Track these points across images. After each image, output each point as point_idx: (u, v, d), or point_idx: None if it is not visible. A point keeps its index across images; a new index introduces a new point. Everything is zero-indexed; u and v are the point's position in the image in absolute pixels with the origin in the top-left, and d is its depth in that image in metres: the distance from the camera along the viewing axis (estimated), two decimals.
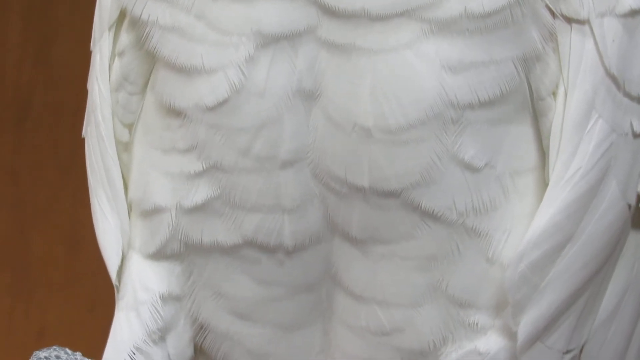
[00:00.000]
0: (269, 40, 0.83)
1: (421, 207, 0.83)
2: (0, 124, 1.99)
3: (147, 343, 0.90)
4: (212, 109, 0.85)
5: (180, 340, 0.92)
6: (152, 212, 0.90)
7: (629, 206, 0.86)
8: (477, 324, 0.86)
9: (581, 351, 0.87)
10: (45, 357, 0.88)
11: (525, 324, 0.83)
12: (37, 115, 1.96)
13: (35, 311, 2.00)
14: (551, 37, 0.83)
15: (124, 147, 0.92)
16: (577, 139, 0.83)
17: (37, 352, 0.88)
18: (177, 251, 0.90)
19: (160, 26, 0.86)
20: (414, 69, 0.82)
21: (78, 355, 0.89)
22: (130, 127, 0.92)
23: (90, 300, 1.78)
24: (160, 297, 0.91)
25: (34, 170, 1.98)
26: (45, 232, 1.97)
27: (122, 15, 0.90)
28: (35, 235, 1.98)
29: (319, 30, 0.82)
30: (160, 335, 0.91)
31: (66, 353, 0.88)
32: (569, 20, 0.83)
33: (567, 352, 0.85)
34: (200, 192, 0.87)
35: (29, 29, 1.97)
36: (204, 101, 0.85)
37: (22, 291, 2.00)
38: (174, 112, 0.87)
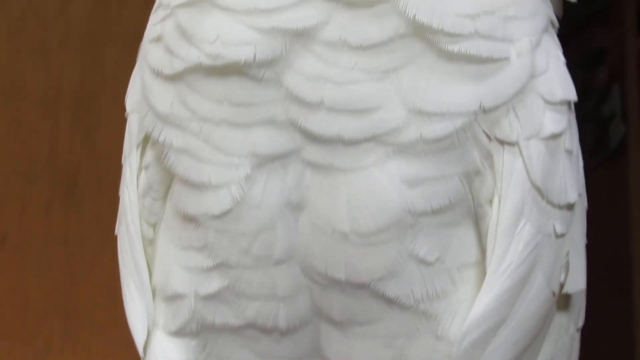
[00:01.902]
0: (264, 161, 0.86)
1: (386, 295, 0.86)
2: (53, 196, 2.02)
3: None
4: (218, 217, 0.88)
5: None
6: (173, 298, 0.92)
7: (553, 293, 0.89)
8: None
9: None
10: None
11: None
12: (83, 190, 2.00)
13: (82, 350, 2.02)
14: (488, 156, 0.86)
15: (149, 243, 0.95)
16: (509, 239, 0.86)
17: None
18: (194, 330, 0.92)
19: (174, 148, 0.89)
20: (380, 184, 0.85)
21: None
22: (154, 226, 0.95)
23: (126, 339, 1.79)
24: None
25: (81, 234, 2.00)
26: (90, 285, 1.99)
27: (147, 136, 0.93)
28: (82, 288, 2.01)
29: (303, 152, 0.85)
30: None
31: None
32: (502, 142, 0.86)
33: None
34: (212, 283, 0.90)
35: (78, 118, 2.01)
36: (212, 211, 0.88)
37: (71, 333, 2.03)
38: (188, 218, 0.90)
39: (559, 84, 0.89)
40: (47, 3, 2.02)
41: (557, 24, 0.94)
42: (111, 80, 1.95)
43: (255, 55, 0.84)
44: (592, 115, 2.99)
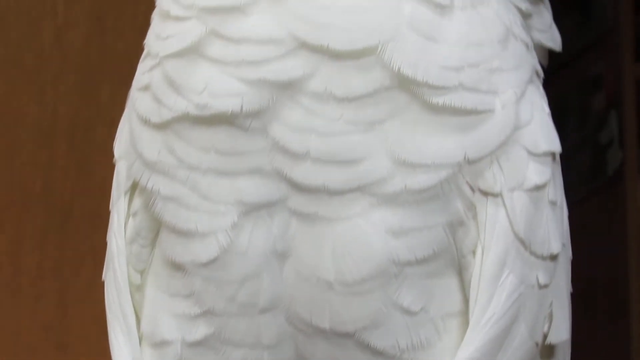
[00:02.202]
0: (250, 209, 0.87)
1: (371, 345, 0.87)
2: (47, 227, 2.03)
3: None
4: (205, 265, 0.88)
5: None
6: (160, 344, 0.93)
7: (537, 344, 0.89)
8: None
9: None
10: None
11: None
12: (77, 221, 2.00)
13: None
14: (472, 207, 0.87)
15: (136, 289, 0.96)
16: (492, 290, 0.87)
17: None
18: None
19: (162, 196, 0.90)
20: (365, 234, 0.86)
21: None
22: (142, 272, 0.95)
23: None
24: None
25: (75, 265, 2.01)
26: (83, 317, 1.99)
27: (135, 183, 0.94)
28: (75, 319, 2.01)
29: (289, 201, 0.86)
30: None
31: None
32: (486, 194, 0.87)
33: None
34: (199, 331, 0.90)
35: (73, 149, 2.02)
36: (199, 259, 0.89)
37: None
38: (176, 266, 0.91)
39: (543, 135, 0.90)
40: (42, 34, 2.04)
41: (542, 74, 0.95)
42: (106, 111, 1.96)
43: (242, 106, 0.85)
44: (589, 142, 3.00)
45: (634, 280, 2.77)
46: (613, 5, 2.90)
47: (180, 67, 0.88)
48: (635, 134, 2.81)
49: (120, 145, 0.96)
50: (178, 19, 0.89)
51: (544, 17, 0.99)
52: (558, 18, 3.19)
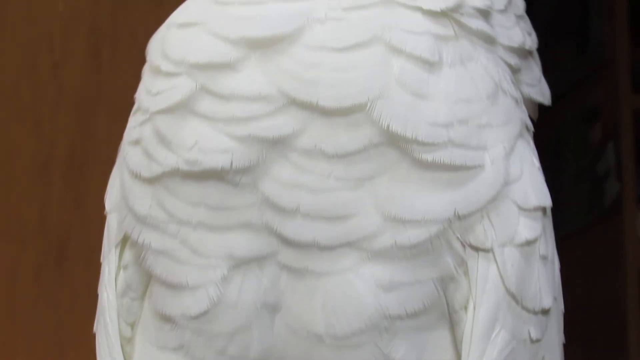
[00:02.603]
0: (240, 263, 0.88)
1: None
2: (43, 261, 2.03)
3: None
4: (195, 317, 0.89)
5: None
6: None
7: None
8: None
9: None
10: None
11: None
12: (73, 255, 2.00)
13: None
14: (462, 262, 0.88)
15: (127, 341, 0.96)
16: (483, 345, 0.87)
17: None
18: None
19: (153, 250, 0.91)
20: (355, 288, 0.86)
21: None
22: (132, 324, 0.96)
23: None
24: None
25: (71, 301, 2.01)
26: (79, 352, 1.99)
27: (126, 236, 0.94)
28: (71, 355, 2.01)
29: (279, 255, 0.87)
30: None
31: None
32: (477, 249, 0.88)
33: None
34: None
35: (69, 183, 2.03)
36: (189, 312, 0.89)
37: None
38: (166, 318, 0.91)
39: (534, 190, 0.90)
40: (39, 69, 2.04)
41: (531, 128, 0.95)
42: (103, 146, 1.96)
43: (232, 162, 0.86)
44: (587, 173, 3.01)
45: (632, 311, 2.77)
46: (610, 36, 2.91)
47: (171, 123, 0.89)
48: (633, 166, 2.82)
49: (111, 198, 0.97)
50: (168, 74, 0.90)
51: (533, 71, 1.00)
52: (555, 49, 3.24)
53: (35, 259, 2.02)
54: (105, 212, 0.98)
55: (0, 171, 2.01)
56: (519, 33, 0.96)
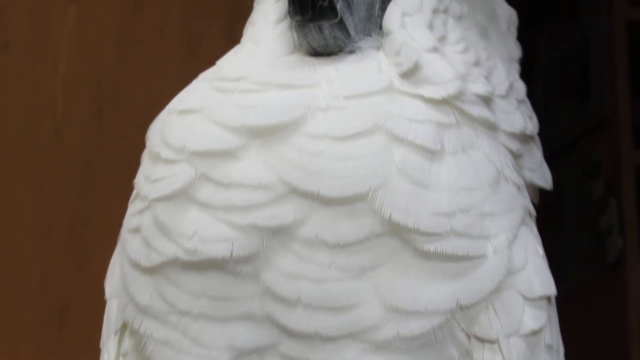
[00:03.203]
0: (241, 354, 0.86)
1: None
2: (44, 325, 2.02)
3: None
4: None
5: None
6: None
7: None
8: None
9: None
10: None
11: None
12: (74, 319, 1.99)
13: None
14: (467, 353, 0.86)
15: None
16: None
17: None
18: None
19: (154, 339, 0.90)
20: None
21: None
22: None
23: None
24: None
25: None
26: None
27: (125, 324, 0.93)
28: None
29: (280, 346, 0.86)
30: None
31: None
32: (482, 340, 0.86)
33: None
34: None
35: (70, 247, 2.02)
36: None
37: None
38: None
39: (538, 279, 0.89)
40: (41, 131, 2.04)
41: (534, 213, 0.94)
42: (104, 208, 1.96)
43: (232, 252, 0.85)
44: (589, 228, 2.99)
45: None
46: (611, 92, 2.91)
47: (170, 211, 0.88)
48: (635, 221, 2.80)
49: (111, 284, 0.96)
50: (168, 161, 0.90)
51: (535, 156, 0.99)
52: (556, 104, 3.22)
53: (36, 322, 2.00)
54: (105, 297, 0.97)
55: (1, 233, 2.01)
56: (520, 118, 0.96)
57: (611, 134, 2.90)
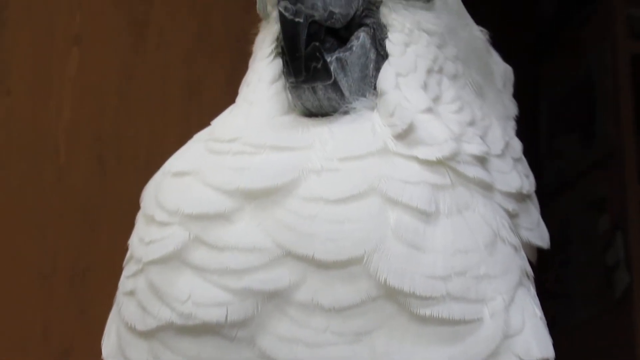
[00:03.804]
0: None
1: None
2: None
3: None
4: None
5: None
6: None
7: None
8: None
9: None
10: None
11: None
12: None
13: None
14: None
15: None
16: None
17: None
18: None
19: None
20: None
21: None
22: None
23: None
24: None
25: None
26: None
27: None
28: None
29: None
30: None
31: None
32: None
33: None
34: None
35: (72, 291, 2.01)
36: None
37: None
38: None
39: (536, 342, 0.88)
40: (44, 175, 2.04)
41: (531, 274, 0.94)
42: (106, 253, 1.95)
43: (227, 316, 0.85)
44: (595, 263, 2.98)
45: None
46: (616, 126, 2.91)
47: (164, 274, 0.88)
48: None
49: (108, 345, 0.96)
50: (162, 224, 0.89)
51: (532, 215, 0.99)
52: (562, 139, 3.21)
53: None
54: (102, 358, 0.97)
55: (3, 279, 2.00)
56: (517, 177, 0.95)
57: (616, 169, 2.89)
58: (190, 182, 0.89)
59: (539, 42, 3.42)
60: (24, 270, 2.02)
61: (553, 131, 3.21)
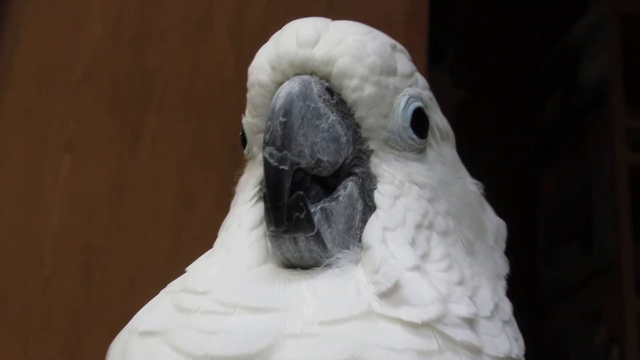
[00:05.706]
0: None
1: None
2: None
3: None
4: None
5: None
6: None
7: None
8: None
9: None
10: None
11: None
12: None
13: None
14: None
15: None
16: None
17: None
18: None
19: None
20: None
21: None
22: None
23: None
24: None
25: None
26: None
27: None
28: None
29: None
30: None
31: None
32: None
33: None
34: None
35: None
36: None
37: None
38: None
39: None
40: (29, 284, 1.98)
41: None
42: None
43: None
44: None
45: None
46: (614, 238, 2.88)
47: None
48: None
49: None
50: None
51: None
52: (560, 249, 3.17)
53: None
54: None
55: None
56: (506, 340, 0.90)
57: (614, 280, 2.85)
58: (157, 345, 0.84)
59: (538, 150, 3.42)
60: None
61: (551, 241, 3.18)
